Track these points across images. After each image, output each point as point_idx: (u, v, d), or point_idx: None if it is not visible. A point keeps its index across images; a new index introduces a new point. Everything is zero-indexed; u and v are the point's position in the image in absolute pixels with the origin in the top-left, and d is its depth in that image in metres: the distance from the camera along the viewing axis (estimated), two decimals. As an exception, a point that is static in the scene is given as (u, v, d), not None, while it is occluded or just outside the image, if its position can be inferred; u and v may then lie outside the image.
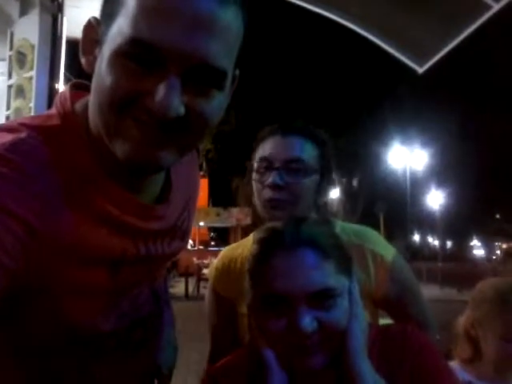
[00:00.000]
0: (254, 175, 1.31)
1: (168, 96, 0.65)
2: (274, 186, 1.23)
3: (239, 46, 0.73)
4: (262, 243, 0.93)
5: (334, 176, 1.39)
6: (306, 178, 1.26)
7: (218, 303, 1.42)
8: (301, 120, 1.39)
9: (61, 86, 3.90)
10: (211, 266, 1.50)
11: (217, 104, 0.71)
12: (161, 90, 0.65)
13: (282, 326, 0.85)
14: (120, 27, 0.66)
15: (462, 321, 1.55)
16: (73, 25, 4.10)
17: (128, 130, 0.69)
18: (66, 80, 4.27)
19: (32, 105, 3.83)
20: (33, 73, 3.91)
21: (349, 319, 0.88)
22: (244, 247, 1.42)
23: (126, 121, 0.68)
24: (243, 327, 1.32)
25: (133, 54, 0.65)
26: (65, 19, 4.03)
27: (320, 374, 0.88)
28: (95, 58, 0.72)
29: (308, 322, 0.83)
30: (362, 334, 0.89)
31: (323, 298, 0.86)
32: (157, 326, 1.02)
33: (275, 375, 0.87)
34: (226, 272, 1.41)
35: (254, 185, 1.30)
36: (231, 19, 0.68)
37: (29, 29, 4.00)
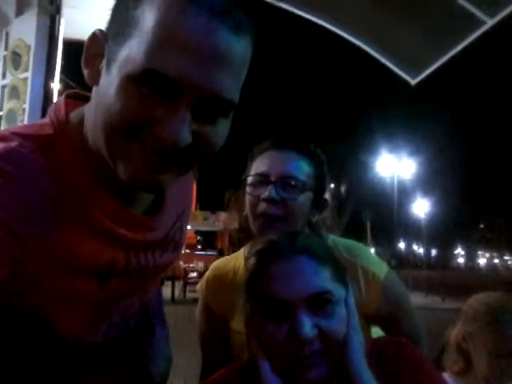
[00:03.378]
0: (249, 188, 1.31)
1: (179, 128, 0.66)
2: (270, 200, 1.24)
3: (246, 73, 0.73)
4: (258, 255, 0.95)
5: (327, 195, 1.39)
6: (301, 195, 1.27)
7: (210, 320, 1.42)
8: (296, 135, 1.39)
9: (56, 88, 3.86)
10: (202, 279, 1.49)
11: (222, 131, 0.73)
12: (172, 121, 0.66)
13: (282, 335, 0.86)
14: (133, 52, 0.65)
15: (453, 333, 1.57)
16: (70, 26, 4.07)
17: (133, 154, 0.69)
18: (62, 82, 4.24)
19: (26, 106, 3.77)
20: (28, 74, 3.84)
21: (347, 330, 0.90)
22: (236, 260, 1.42)
23: (132, 145, 0.69)
24: (235, 343, 1.33)
25: (146, 80, 0.64)
26: (62, 20, 3.99)
27: None
28: (99, 72, 0.72)
29: (308, 327, 0.85)
30: (360, 343, 0.90)
31: (322, 302, 0.88)
32: (146, 336, 1.02)
33: None
34: (218, 284, 1.41)
35: (248, 198, 1.31)
36: (244, 49, 0.68)
37: (25, 29, 3.94)
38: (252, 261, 0.96)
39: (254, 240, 1.30)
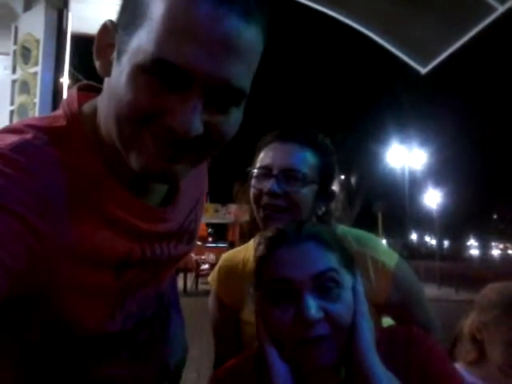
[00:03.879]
0: (253, 181, 1.31)
1: (190, 118, 0.65)
2: (272, 193, 1.24)
3: (258, 63, 0.72)
4: (266, 242, 0.96)
5: (336, 186, 1.37)
6: (304, 188, 1.25)
7: (221, 310, 1.43)
8: (302, 126, 1.38)
9: (65, 82, 3.89)
10: (213, 271, 1.50)
11: (234, 120, 0.72)
12: (183, 111, 0.65)
13: (289, 318, 0.87)
14: (143, 42, 0.64)
15: (466, 324, 1.56)
16: (78, 20, 4.08)
17: (145, 144, 0.69)
18: (71, 76, 4.27)
19: (36, 100, 3.80)
20: (37, 68, 3.88)
21: (356, 316, 0.90)
22: (245, 252, 1.43)
23: (144, 135, 0.69)
24: (246, 334, 1.34)
25: (156, 71, 0.64)
26: (70, 14, 4.01)
27: (327, 372, 0.90)
28: (110, 63, 0.72)
29: (314, 309, 0.85)
30: (369, 331, 0.90)
31: (328, 282, 0.88)
32: (162, 326, 1.03)
33: (279, 371, 0.88)
34: (228, 276, 1.42)
35: (252, 191, 1.31)
36: (255, 37, 0.67)
37: (34, 23, 3.97)
38: (260, 248, 0.96)
39: (262, 231, 1.30)
